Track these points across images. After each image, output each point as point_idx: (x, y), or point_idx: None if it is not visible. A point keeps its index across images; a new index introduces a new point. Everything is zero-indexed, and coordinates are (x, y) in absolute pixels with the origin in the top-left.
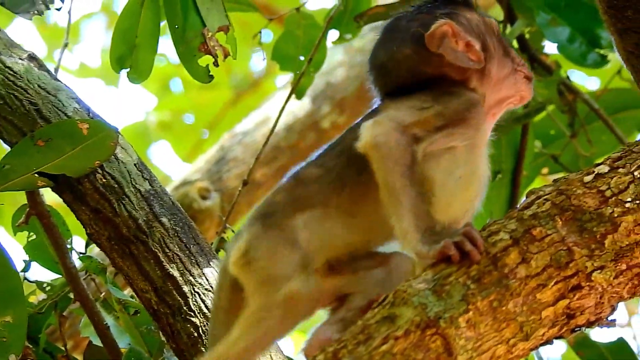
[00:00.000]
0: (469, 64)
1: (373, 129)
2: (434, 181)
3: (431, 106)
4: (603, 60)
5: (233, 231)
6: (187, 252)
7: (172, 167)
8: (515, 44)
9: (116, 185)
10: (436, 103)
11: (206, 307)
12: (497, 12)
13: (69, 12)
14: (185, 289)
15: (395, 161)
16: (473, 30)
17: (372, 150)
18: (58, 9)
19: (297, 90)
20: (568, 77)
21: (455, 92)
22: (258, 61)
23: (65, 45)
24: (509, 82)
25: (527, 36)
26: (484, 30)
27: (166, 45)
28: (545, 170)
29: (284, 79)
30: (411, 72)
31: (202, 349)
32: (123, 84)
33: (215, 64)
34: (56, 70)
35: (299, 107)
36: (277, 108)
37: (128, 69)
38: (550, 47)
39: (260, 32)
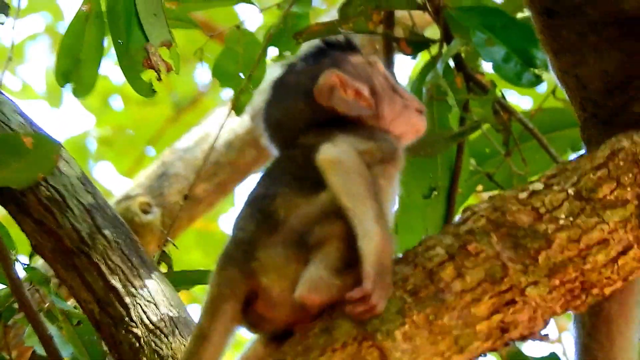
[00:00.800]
0: (361, 111)
1: (334, 147)
2: None
3: (370, 141)
4: (538, 79)
5: (174, 245)
6: (129, 264)
7: (113, 182)
8: (451, 62)
9: (59, 198)
10: (372, 140)
11: (147, 318)
12: (434, 31)
13: (12, 25)
14: (127, 300)
15: (360, 174)
16: (360, 75)
17: (335, 165)
18: (1, 23)
19: (237, 107)
20: (503, 96)
21: (376, 131)
22: (200, 77)
23: (9, 59)
24: (403, 119)
25: (463, 55)
26: (370, 72)
27: (105, 63)
28: (480, 188)
29: (226, 95)
30: (308, 124)
31: (144, 359)
32: (66, 104)
33: (159, 79)
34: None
35: (239, 124)
36: (218, 125)
37: (72, 84)
38: (486, 66)
39: (201, 49)
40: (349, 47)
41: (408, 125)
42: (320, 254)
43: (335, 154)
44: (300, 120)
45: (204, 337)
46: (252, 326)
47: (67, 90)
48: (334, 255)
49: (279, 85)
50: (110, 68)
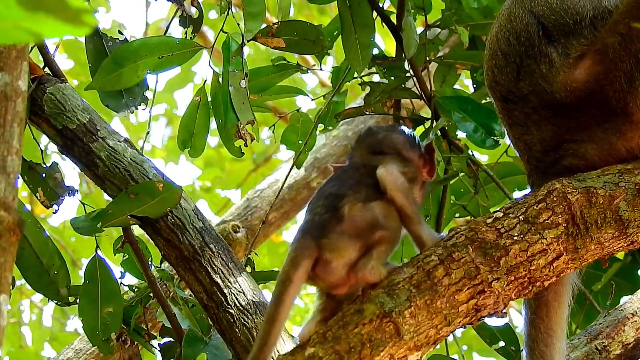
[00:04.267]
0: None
1: (387, 166)
2: None
3: (405, 167)
4: (496, 144)
5: (255, 254)
6: (227, 267)
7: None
8: (439, 132)
9: (180, 223)
10: (406, 166)
11: (239, 302)
12: (427, 112)
13: (150, 112)
14: (225, 290)
15: (403, 181)
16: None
17: (391, 184)
18: (143, 109)
19: (297, 163)
20: (472, 155)
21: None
22: (270, 144)
23: (147, 133)
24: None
25: (446, 128)
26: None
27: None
28: (457, 215)
29: (288, 154)
30: (378, 154)
31: (236, 330)
32: (181, 161)
33: (246, 145)
34: (141, 149)
35: (298, 174)
36: (284, 174)
37: (189, 148)
38: (461, 135)
39: (274, 125)
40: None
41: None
42: (376, 250)
43: (389, 169)
44: (375, 155)
45: (289, 280)
46: (312, 280)
47: (183, 154)
48: (384, 252)
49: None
50: (213, 140)
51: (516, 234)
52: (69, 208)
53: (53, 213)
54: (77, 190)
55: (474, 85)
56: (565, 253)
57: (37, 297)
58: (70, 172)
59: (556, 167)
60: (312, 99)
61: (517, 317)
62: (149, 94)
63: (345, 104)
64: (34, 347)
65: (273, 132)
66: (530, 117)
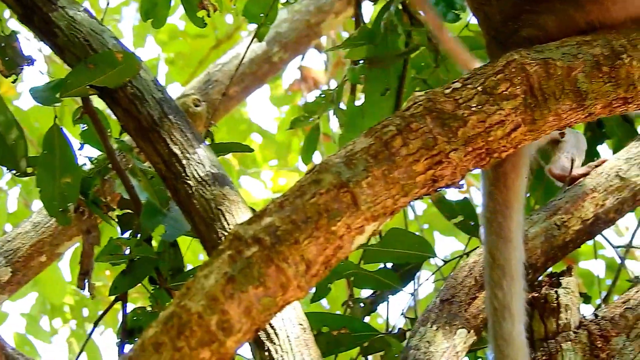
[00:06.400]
0: None
1: None
2: None
3: None
4: (457, 17)
5: (215, 126)
6: (186, 137)
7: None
8: (400, 7)
9: (139, 94)
10: None
11: (197, 174)
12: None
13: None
14: (184, 162)
15: None
16: None
17: None
18: None
19: (258, 36)
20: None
21: None
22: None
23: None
24: None
25: (407, 1)
26: None
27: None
28: (418, 89)
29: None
30: None
31: (195, 201)
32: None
33: (209, 15)
34: (102, 20)
35: (259, 47)
36: (245, 47)
37: (152, 19)
38: None
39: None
40: None
41: None
42: None
43: None
44: None
45: None
46: None
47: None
48: None
49: None
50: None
51: (474, 105)
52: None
53: (12, 83)
54: (36, 60)
55: None
56: (523, 124)
57: (3, 181)
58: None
59: (515, 38)
60: None
61: (477, 194)
62: None
63: None
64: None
65: (234, 5)
66: None
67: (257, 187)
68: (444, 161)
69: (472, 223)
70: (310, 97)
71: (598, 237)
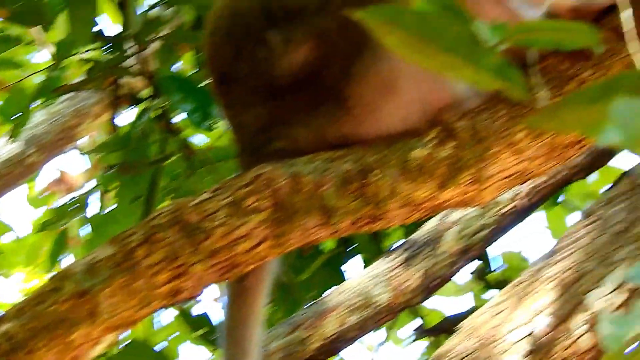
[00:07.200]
0: None
1: None
2: None
3: None
4: (212, 126)
5: None
6: None
7: None
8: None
9: None
10: None
11: None
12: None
13: None
14: None
15: None
16: None
17: None
18: None
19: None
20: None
21: None
22: None
23: None
24: None
25: (166, 108)
26: None
27: None
28: (173, 196)
29: None
30: None
31: None
32: None
33: None
34: None
35: (16, 147)
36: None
37: None
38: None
39: None
40: None
41: None
42: None
43: None
44: None
45: None
46: None
47: None
48: None
49: None
50: None
51: (221, 217)
52: None
53: None
54: None
55: (198, 66)
56: (268, 238)
57: None
58: None
59: (267, 149)
60: (33, 74)
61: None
62: None
63: (66, 79)
64: None
65: None
66: (247, 98)
67: (8, 288)
68: (187, 273)
69: (213, 337)
70: (65, 200)
71: None
